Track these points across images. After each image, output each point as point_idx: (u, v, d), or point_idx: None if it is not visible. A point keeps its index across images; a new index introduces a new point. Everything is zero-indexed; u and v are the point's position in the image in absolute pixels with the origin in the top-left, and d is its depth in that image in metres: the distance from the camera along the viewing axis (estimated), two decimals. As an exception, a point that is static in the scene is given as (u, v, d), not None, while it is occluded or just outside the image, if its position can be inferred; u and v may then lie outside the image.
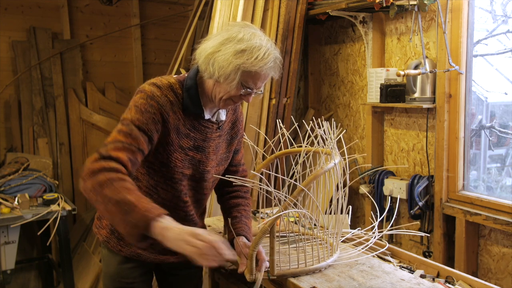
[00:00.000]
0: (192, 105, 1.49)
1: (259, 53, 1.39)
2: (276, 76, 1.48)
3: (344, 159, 1.55)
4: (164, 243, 1.25)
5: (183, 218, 1.57)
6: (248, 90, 1.44)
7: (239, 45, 1.39)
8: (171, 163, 1.49)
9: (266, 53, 1.40)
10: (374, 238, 1.68)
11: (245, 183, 1.52)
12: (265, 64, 1.40)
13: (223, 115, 1.61)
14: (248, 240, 1.60)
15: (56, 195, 3.02)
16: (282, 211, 1.40)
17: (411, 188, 2.78)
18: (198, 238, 1.24)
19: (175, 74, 1.61)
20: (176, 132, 1.48)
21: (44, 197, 2.99)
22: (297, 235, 1.80)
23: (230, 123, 1.67)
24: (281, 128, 1.76)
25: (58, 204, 2.95)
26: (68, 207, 2.97)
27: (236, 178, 1.50)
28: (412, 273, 1.55)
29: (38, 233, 3.00)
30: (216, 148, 1.61)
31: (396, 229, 1.91)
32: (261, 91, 1.52)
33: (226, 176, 1.56)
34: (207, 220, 2.06)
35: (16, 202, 2.87)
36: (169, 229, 1.25)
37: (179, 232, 1.25)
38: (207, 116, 1.55)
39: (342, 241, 1.78)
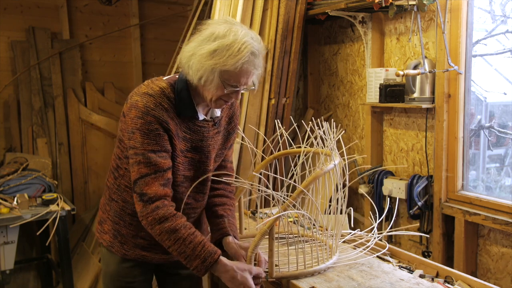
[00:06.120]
0: (185, 108, 1.47)
1: (233, 50, 1.33)
2: (259, 70, 1.42)
3: (344, 160, 1.55)
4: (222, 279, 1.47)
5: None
6: (232, 89, 1.40)
7: (212, 45, 1.35)
8: (174, 167, 1.48)
9: (239, 49, 1.33)
10: (374, 239, 1.68)
11: (243, 184, 1.52)
12: (239, 60, 1.34)
13: (217, 111, 1.58)
14: (236, 239, 1.61)
15: (55, 195, 3.02)
16: (282, 212, 1.40)
17: (410, 188, 2.78)
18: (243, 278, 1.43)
19: (175, 73, 1.58)
20: (177, 137, 1.47)
21: (43, 197, 2.98)
22: (296, 236, 1.80)
23: (227, 118, 1.64)
24: (279, 128, 1.75)
25: (57, 204, 2.94)
26: (67, 207, 2.96)
27: (236, 181, 1.51)
28: (411, 273, 1.55)
29: (37, 233, 2.99)
30: (215, 145, 1.60)
31: (395, 230, 1.91)
32: (254, 87, 1.46)
33: (229, 177, 1.56)
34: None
35: (15, 202, 2.87)
36: (223, 272, 1.44)
37: (233, 277, 1.43)
38: (201, 117, 1.52)
39: (342, 242, 1.78)
